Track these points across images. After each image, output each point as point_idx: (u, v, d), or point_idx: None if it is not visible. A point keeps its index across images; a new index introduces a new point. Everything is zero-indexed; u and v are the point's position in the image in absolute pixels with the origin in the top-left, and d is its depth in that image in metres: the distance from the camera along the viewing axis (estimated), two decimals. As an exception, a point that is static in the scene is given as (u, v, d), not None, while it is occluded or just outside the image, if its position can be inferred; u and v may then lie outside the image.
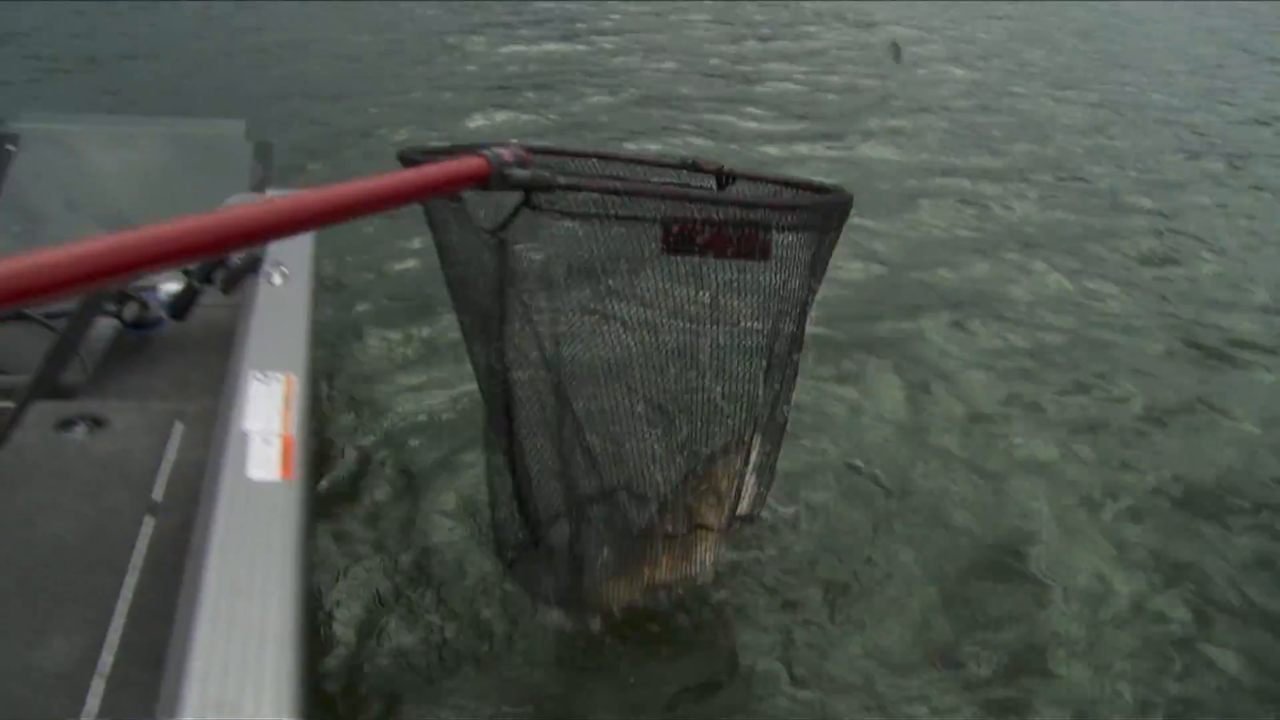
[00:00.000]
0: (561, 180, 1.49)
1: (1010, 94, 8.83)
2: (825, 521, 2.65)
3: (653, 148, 5.95)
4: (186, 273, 2.08)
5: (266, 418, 1.49)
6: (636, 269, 1.72)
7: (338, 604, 2.23)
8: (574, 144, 4.93)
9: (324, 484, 2.60)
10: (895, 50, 9.06)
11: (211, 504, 1.29)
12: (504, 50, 8.68)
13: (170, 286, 2.12)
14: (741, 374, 1.92)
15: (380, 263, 4.08)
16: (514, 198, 1.55)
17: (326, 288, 3.53)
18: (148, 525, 1.48)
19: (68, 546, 1.41)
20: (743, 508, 2.16)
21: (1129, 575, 2.68)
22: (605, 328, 1.84)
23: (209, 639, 1.07)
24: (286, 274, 1.91)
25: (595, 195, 1.59)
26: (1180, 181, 6.76)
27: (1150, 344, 4.21)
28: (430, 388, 3.14)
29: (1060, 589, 2.57)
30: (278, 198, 1.04)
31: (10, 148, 2.48)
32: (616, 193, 1.60)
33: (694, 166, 2.05)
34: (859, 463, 2.97)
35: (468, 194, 1.64)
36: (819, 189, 1.98)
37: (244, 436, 1.43)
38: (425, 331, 3.50)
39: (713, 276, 1.73)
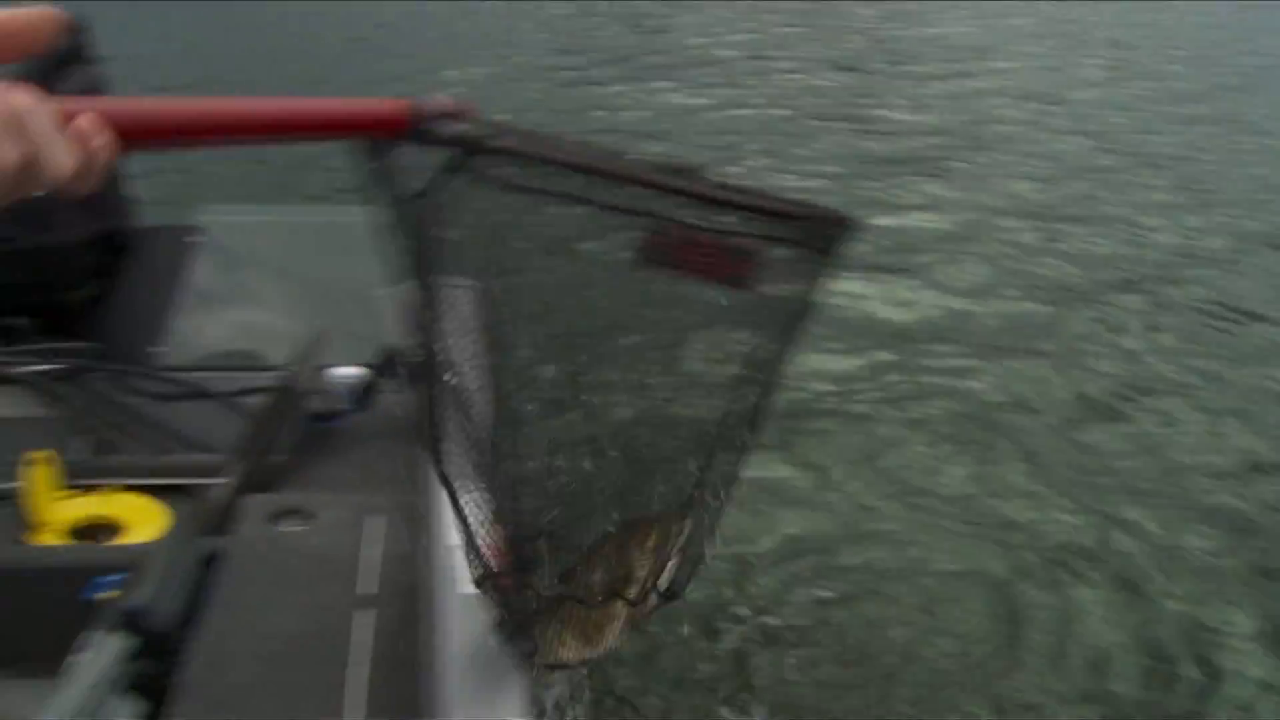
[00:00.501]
0: (500, 143, 1.23)
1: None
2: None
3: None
4: (367, 365, 2.24)
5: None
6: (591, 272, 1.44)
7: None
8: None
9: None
10: None
11: (430, 611, 1.41)
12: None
13: (349, 373, 2.28)
14: (687, 431, 1.60)
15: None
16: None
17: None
18: (359, 619, 1.61)
19: (293, 639, 1.55)
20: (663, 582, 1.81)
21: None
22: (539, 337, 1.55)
23: None
24: (463, 373, 2.04)
25: (550, 169, 1.29)
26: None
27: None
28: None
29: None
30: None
31: (194, 239, 2.69)
32: (576, 168, 1.31)
33: (679, 170, 1.58)
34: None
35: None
36: (816, 209, 1.59)
37: (449, 550, 1.56)
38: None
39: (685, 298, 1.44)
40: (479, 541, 1.64)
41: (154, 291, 2.68)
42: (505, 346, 1.51)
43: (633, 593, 1.77)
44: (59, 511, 2.08)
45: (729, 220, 1.40)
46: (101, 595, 1.81)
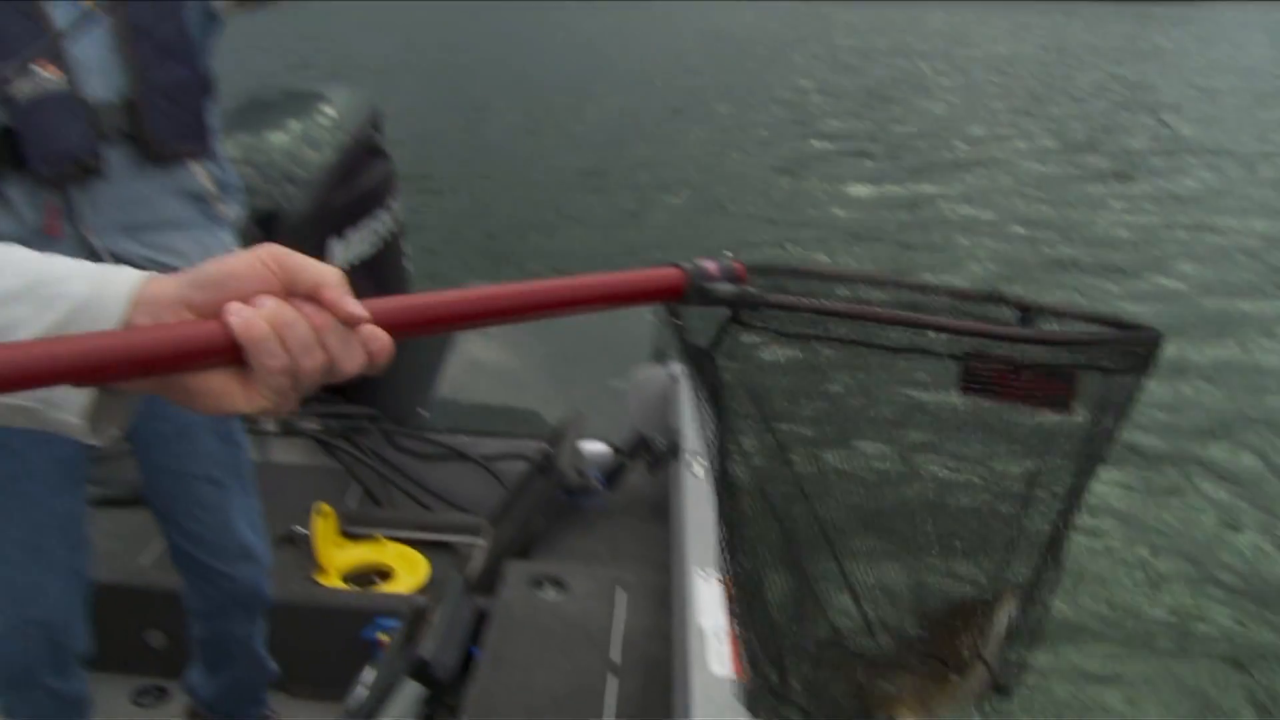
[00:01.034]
0: (774, 298, 1.33)
1: None
2: None
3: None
4: (617, 450, 2.39)
5: (713, 615, 1.71)
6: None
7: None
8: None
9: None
10: None
11: (681, 684, 1.51)
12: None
13: (601, 451, 2.43)
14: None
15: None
16: None
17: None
18: (611, 684, 1.72)
19: (554, 697, 1.68)
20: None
21: None
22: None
23: None
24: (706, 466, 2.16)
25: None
26: None
27: None
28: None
29: None
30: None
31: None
32: (868, 318, 1.35)
33: (994, 298, 1.61)
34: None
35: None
36: (1127, 327, 1.62)
37: (700, 632, 1.65)
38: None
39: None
40: (750, 639, 1.88)
41: (424, 357, 2.95)
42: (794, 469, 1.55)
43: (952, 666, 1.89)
44: (339, 556, 2.33)
45: (1046, 349, 1.39)
46: (379, 635, 2.01)
